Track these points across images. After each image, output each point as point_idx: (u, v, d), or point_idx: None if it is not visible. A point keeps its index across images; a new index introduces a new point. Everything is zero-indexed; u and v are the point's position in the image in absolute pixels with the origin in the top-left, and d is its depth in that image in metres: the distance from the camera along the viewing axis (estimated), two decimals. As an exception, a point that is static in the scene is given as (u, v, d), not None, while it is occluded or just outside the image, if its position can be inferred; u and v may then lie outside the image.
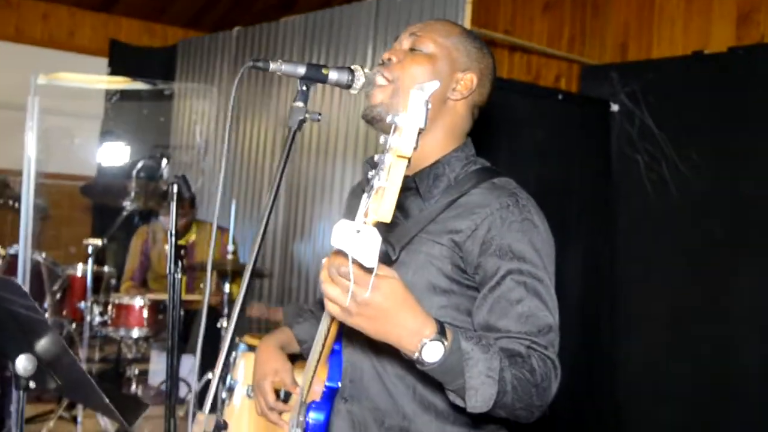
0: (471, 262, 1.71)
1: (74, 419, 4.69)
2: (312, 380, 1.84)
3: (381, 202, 1.25)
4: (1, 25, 6.64)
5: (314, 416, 1.82)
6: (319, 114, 1.97)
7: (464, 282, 1.73)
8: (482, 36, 5.19)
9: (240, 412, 3.41)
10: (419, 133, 1.26)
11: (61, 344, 2.32)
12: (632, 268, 4.75)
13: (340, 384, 1.85)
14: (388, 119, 1.27)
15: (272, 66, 1.95)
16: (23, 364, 2.30)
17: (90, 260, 4.62)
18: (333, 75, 1.98)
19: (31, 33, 6.78)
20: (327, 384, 1.84)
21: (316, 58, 5.38)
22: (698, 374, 4.29)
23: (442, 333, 1.42)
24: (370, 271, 1.29)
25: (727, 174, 4.29)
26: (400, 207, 1.83)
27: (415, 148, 1.26)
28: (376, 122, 1.84)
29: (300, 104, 1.92)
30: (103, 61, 6.99)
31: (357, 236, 1.24)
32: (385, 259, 1.56)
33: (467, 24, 4.29)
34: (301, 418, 1.85)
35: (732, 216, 4.23)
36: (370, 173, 1.29)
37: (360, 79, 1.99)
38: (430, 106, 1.28)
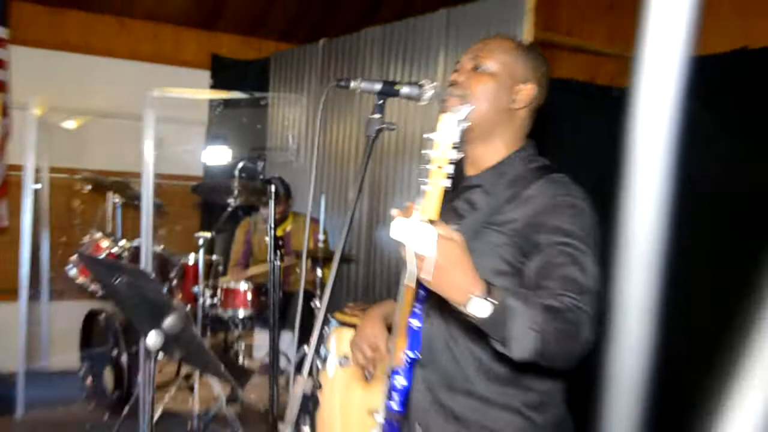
0: (528, 241, 1.77)
1: (191, 388, 4.87)
2: (395, 350, 1.94)
3: (426, 204, 1.39)
4: (118, 45, 6.86)
5: (399, 380, 1.92)
6: (393, 124, 2.10)
7: (521, 266, 1.79)
8: (543, 40, 5.28)
9: (333, 377, 3.49)
10: (454, 147, 1.39)
11: (184, 321, 2.46)
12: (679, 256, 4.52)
13: (420, 354, 1.93)
14: (425, 135, 1.40)
15: (353, 84, 2.06)
16: (153, 338, 2.42)
17: (201, 250, 4.81)
18: (404, 90, 2.08)
19: (143, 51, 6.97)
20: (409, 354, 1.92)
21: (393, 65, 5.49)
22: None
23: (488, 293, 1.48)
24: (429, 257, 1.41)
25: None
26: (470, 202, 1.94)
27: (451, 161, 1.39)
28: None
29: (377, 116, 2.05)
30: (206, 74, 7.16)
31: (414, 231, 1.39)
32: None
33: (530, 28, 4.36)
34: (388, 383, 1.96)
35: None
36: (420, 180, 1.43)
37: (427, 92, 2.11)
38: (465, 125, 1.41)
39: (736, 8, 5.11)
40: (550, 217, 1.75)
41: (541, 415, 1.87)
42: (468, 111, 1.43)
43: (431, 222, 1.42)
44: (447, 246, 1.44)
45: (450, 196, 1.55)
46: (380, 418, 1.98)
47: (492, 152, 1.93)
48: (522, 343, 1.53)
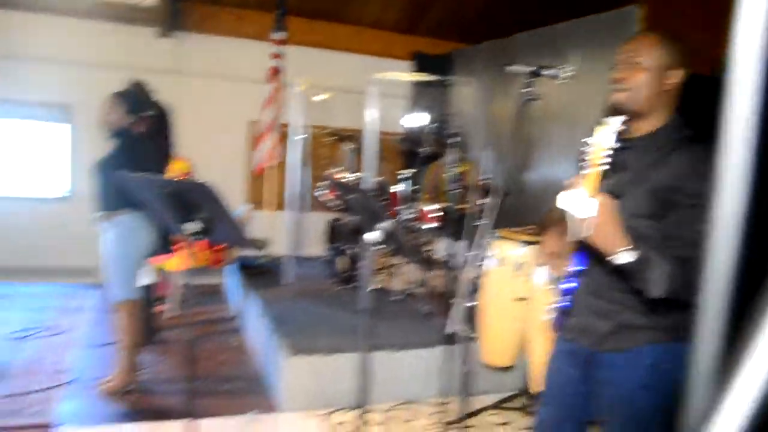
0: (667, 198, 1.64)
1: (395, 273, 5.08)
2: (564, 264, 1.93)
3: (587, 183, 1.35)
4: (353, 44, 7.10)
5: (568, 285, 1.91)
6: (539, 95, 2.17)
7: (659, 212, 1.66)
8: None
9: (492, 273, 3.53)
10: (608, 148, 1.35)
11: (394, 225, 2.52)
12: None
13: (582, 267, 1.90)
14: (582, 140, 1.35)
15: (510, 68, 2.17)
16: (374, 235, 2.48)
17: (403, 183, 4.92)
18: (546, 72, 2.16)
19: (369, 48, 7.19)
20: (577, 267, 1.90)
21: (536, 60, 5.32)
22: None
23: (632, 246, 1.45)
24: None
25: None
26: (623, 162, 1.72)
27: (605, 158, 1.35)
28: (619, 109, 1.78)
29: (526, 90, 2.14)
30: (409, 64, 7.24)
31: (577, 201, 1.37)
32: (613, 196, 1.55)
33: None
34: (561, 286, 1.94)
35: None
36: (581, 162, 1.36)
37: (563, 74, 2.14)
38: (618, 129, 1.34)
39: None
40: (687, 182, 1.60)
41: (665, 318, 1.74)
42: (620, 121, 1.36)
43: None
44: (604, 208, 1.42)
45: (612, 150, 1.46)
46: (554, 308, 1.94)
47: (648, 123, 1.76)
48: (657, 286, 1.51)
